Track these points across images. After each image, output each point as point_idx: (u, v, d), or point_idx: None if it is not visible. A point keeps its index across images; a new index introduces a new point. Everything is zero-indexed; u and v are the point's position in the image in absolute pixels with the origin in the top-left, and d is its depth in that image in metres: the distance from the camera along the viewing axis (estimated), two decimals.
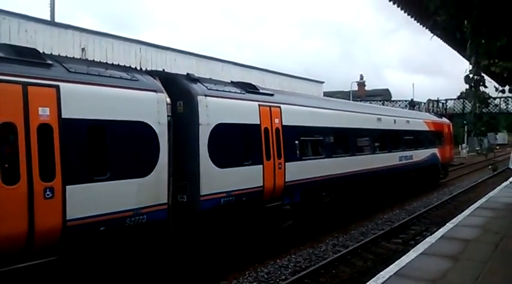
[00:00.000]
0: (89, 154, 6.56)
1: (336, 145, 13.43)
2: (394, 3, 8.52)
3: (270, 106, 10.51)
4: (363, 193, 15.02)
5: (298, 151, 11.40)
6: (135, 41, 17.69)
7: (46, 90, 6.09)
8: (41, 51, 7.31)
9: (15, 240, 5.66)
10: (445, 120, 26.54)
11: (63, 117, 6.20)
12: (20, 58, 6.11)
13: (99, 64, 8.75)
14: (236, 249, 9.65)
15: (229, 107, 9.38)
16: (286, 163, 10.74)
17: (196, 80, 9.13)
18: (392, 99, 52.43)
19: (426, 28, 8.59)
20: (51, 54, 10.76)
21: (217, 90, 9.31)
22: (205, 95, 8.82)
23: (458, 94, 44.68)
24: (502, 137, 72.81)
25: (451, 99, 43.95)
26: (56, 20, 17.74)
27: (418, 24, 9.13)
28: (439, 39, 9.32)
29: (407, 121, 19.25)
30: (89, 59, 13.57)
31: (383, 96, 58.34)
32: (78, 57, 14.22)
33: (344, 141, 13.94)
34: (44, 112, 6.00)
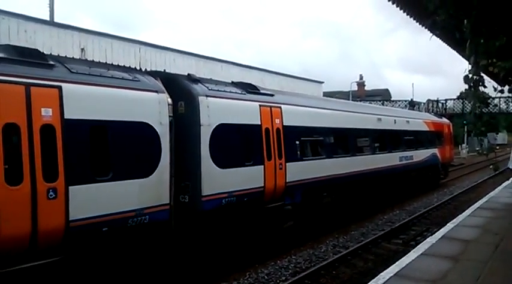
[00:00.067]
0: (91, 155, 6.59)
1: (337, 145, 13.46)
2: (393, 3, 8.54)
3: (270, 107, 10.54)
4: (363, 193, 15.05)
5: (298, 152, 11.44)
6: (134, 41, 17.71)
7: (49, 91, 6.12)
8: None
9: (19, 240, 5.68)
10: (445, 120, 26.56)
11: (65, 117, 6.22)
12: (22, 59, 6.14)
13: (101, 65, 8.77)
14: (236, 250, 9.66)
15: (230, 107, 9.41)
16: (287, 164, 10.77)
17: (197, 81, 9.16)
18: (392, 99, 52.42)
19: (425, 28, 8.62)
20: (51, 54, 10.79)
21: (218, 90, 9.34)
22: (207, 96, 8.85)
23: (458, 94, 44.76)
24: (501, 137, 72.73)
25: (451, 99, 43.98)
26: (55, 20, 17.79)
27: (417, 23, 9.17)
28: (439, 39, 9.33)
29: (408, 122, 19.28)
30: (88, 59, 13.60)
31: (382, 96, 58.31)
32: (78, 57, 14.23)
33: (344, 141, 13.96)
34: (46, 113, 6.03)
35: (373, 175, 15.26)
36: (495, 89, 6.32)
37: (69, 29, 15.19)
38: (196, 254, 8.79)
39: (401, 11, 8.82)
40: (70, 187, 6.16)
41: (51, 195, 5.95)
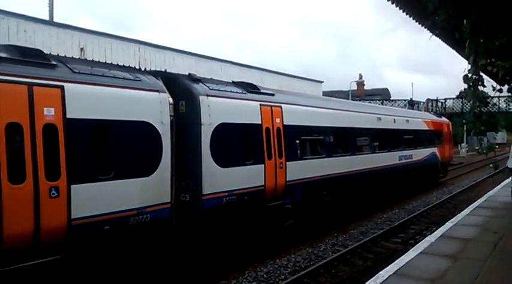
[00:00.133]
0: (93, 154, 6.64)
1: (337, 144, 13.51)
2: (392, 3, 8.55)
3: (271, 106, 10.58)
4: (363, 192, 15.10)
5: (299, 151, 11.48)
6: (133, 40, 17.69)
7: (51, 91, 6.16)
8: None
9: (22, 239, 5.73)
10: (444, 119, 26.61)
11: (67, 117, 6.27)
12: (25, 59, 6.18)
13: (103, 64, 8.82)
14: (236, 248, 9.70)
15: (230, 107, 9.45)
16: (287, 163, 10.82)
17: (198, 80, 9.20)
18: (391, 98, 52.43)
19: (425, 28, 8.64)
20: (52, 54, 10.81)
21: (218, 90, 9.38)
22: (207, 95, 8.89)
23: (458, 93, 44.76)
24: (501, 136, 72.75)
25: (450, 99, 43.98)
26: (55, 20, 17.78)
27: (417, 23, 9.19)
28: (438, 38, 9.36)
29: (407, 121, 19.33)
30: (88, 59, 13.63)
31: (382, 95, 58.21)
32: (77, 57, 14.25)
33: (344, 140, 14.02)
34: (49, 113, 6.07)
35: (372, 174, 15.31)
36: (494, 89, 6.35)
37: (69, 28, 15.18)
38: (196, 252, 8.83)
39: (401, 10, 8.83)
40: (72, 186, 6.21)
41: (53, 194, 5.99)
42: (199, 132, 8.60)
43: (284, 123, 10.86)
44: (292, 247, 11.22)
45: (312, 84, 30.04)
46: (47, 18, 18.06)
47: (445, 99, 43.86)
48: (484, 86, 5.87)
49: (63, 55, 12.19)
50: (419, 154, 20.17)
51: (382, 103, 41.26)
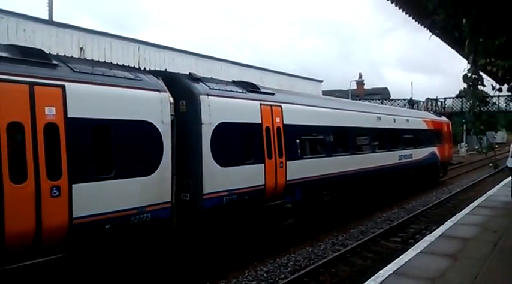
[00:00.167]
0: (94, 153, 6.65)
1: (336, 144, 13.53)
2: (392, 3, 8.55)
3: (271, 106, 10.60)
4: (363, 191, 15.12)
5: (299, 150, 11.50)
6: (133, 40, 17.67)
7: (52, 90, 6.18)
8: None
9: (23, 238, 5.75)
10: (444, 118, 26.63)
11: (68, 116, 6.29)
12: (26, 58, 6.20)
13: (103, 64, 8.84)
14: (235, 248, 9.72)
15: (231, 106, 9.47)
16: (288, 162, 10.84)
17: (198, 80, 9.22)
18: (391, 98, 52.42)
19: (425, 27, 8.64)
20: (53, 54, 10.82)
21: (219, 89, 9.40)
22: (208, 95, 8.91)
23: (457, 93, 44.81)
24: (501, 136, 72.83)
25: (450, 98, 44.00)
26: (54, 20, 17.78)
27: (417, 23, 9.20)
28: (438, 38, 9.36)
29: (407, 120, 19.35)
30: (88, 59, 13.63)
31: (382, 94, 58.16)
32: (77, 56, 14.27)
33: (344, 139, 14.04)
34: (50, 112, 6.09)
35: (372, 174, 15.33)
36: (493, 88, 6.36)
37: (68, 28, 15.16)
38: (196, 251, 8.85)
39: (401, 10, 8.84)
40: (73, 185, 6.23)
41: (54, 193, 6.01)
42: (199, 131, 8.62)
43: (284, 123, 10.88)
44: (292, 246, 11.23)
45: (312, 84, 30.05)
46: (46, 17, 18.05)
47: (445, 99, 43.88)
48: (484, 86, 5.88)
49: (63, 54, 12.23)
50: (419, 153, 20.20)
51: (381, 103, 41.28)
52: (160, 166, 7.60)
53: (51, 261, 6.10)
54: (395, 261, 7.57)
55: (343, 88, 51.40)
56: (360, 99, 42.36)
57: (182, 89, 8.79)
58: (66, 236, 6.22)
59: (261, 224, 10.39)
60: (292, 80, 27.42)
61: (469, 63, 5.74)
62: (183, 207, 8.52)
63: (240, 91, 10.09)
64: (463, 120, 37.91)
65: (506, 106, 39.45)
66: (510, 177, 14.83)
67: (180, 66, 17.85)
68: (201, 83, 9.13)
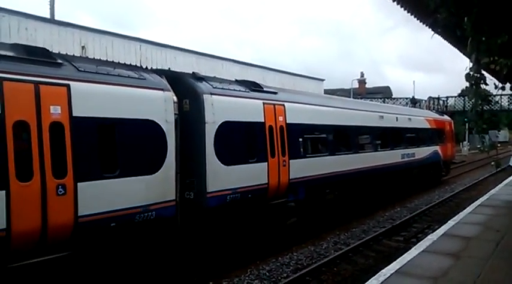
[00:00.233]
0: (99, 152, 6.70)
1: (339, 142, 13.55)
2: (394, 1, 8.57)
3: (274, 105, 10.62)
4: (365, 190, 15.14)
5: (302, 149, 11.52)
6: (135, 38, 17.73)
7: (57, 89, 6.22)
8: None
9: (29, 236, 5.80)
10: (446, 117, 26.60)
11: (73, 115, 6.33)
12: (31, 57, 6.24)
13: (107, 63, 8.87)
14: (238, 246, 9.74)
15: (234, 105, 9.50)
16: (291, 161, 10.87)
17: (201, 79, 9.25)
18: (393, 96, 52.37)
19: (426, 26, 8.65)
20: (56, 52, 10.86)
21: (222, 88, 9.43)
22: (211, 93, 8.94)
23: (459, 91, 44.67)
24: (503, 135, 72.73)
25: (452, 97, 43.93)
26: (56, 18, 17.84)
27: (418, 21, 9.20)
28: (440, 36, 9.36)
29: (409, 119, 19.35)
30: (89, 57, 13.68)
31: (383, 93, 58.15)
32: (78, 55, 14.32)
33: (347, 138, 14.06)
34: (55, 111, 6.14)
35: (375, 172, 15.35)
36: (496, 87, 6.37)
37: (70, 26, 15.24)
38: (199, 250, 8.88)
39: (402, 8, 8.84)
40: (79, 184, 6.28)
41: (60, 191, 6.06)
42: (203, 130, 8.65)
43: (287, 121, 10.91)
44: (295, 245, 11.24)
45: (314, 82, 30.10)
46: (48, 16, 18.13)
47: (447, 97, 43.81)
48: (487, 84, 5.90)
49: (65, 53, 12.28)
50: (422, 152, 20.20)
51: (383, 102, 41.27)
52: (164, 165, 7.64)
53: (56, 259, 6.15)
54: (397, 260, 7.55)
55: (344, 87, 51.44)
56: (361, 98, 42.36)
57: (186, 88, 8.82)
58: (71, 234, 6.27)
59: (264, 223, 10.42)
60: (294, 79, 27.46)
61: (471, 61, 5.76)
62: (186, 205, 8.55)
63: (243, 90, 10.11)
64: (465, 119, 37.86)
65: (508, 105, 39.41)
66: None
67: (181, 65, 17.89)
68: (204, 82, 9.16)
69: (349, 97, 36.01)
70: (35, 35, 13.76)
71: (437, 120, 23.63)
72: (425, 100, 44.19)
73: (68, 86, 6.33)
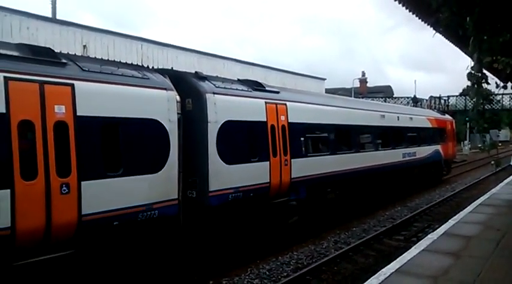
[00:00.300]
0: (102, 151, 6.74)
1: (341, 142, 13.57)
2: (395, 0, 8.59)
3: (276, 104, 10.65)
4: (367, 189, 15.18)
5: (303, 148, 11.55)
6: (136, 38, 17.74)
7: (61, 89, 6.26)
8: None
9: (33, 234, 5.85)
10: (447, 116, 26.60)
11: (78, 114, 6.37)
12: (36, 57, 6.28)
13: (111, 63, 8.90)
14: (238, 245, 9.76)
15: (236, 105, 9.54)
16: (292, 160, 10.90)
17: (204, 78, 9.28)
18: (394, 96, 52.32)
19: (428, 25, 8.67)
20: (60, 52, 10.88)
21: (224, 87, 9.46)
22: (214, 93, 8.98)
23: (461, 91, 44.62)
24: (504, 134, 72.65)
25: (453, 96, 43.89)
26: (57, 18, 17.87)
27: (420, 21, 9.21)
28: (442, 36, 9.37)
29: (411, 118, 19.36)
30: (91, 57, 13.70)
31: (385, 92, 58.08)
32: (80, 54, 14.35)
33: (348, 138, 14.09)
34: (59, 110, 6.18)
35: (376, 172, 15.38)
36: (497, 86, 6.40)
37: (71, 26, 15.26)
38: (200, 249, 8.91)
39: (404, 7, 8.86)
40: (82, 183, 6.32)
41: (64, 190, 6.10)
42: (205, 129, 8.69)
43: (289, 121, 10.93)
44: (295, 244, 11.25)
45: (315, 82, 30.11)
46: (49, 15, 18.17)
47: (448, 97, 43.77)
48: (488, 83, 5.93)
49: (66, 52, 12.31)
50: (423, 151, 20.22)
51: (385, 101, 41.26)
52: (167, 163, 7.68)
53: (60, 257, 6.20)
54: (398, 259, 7.56)
55: (346, 86, 51.43)
56: (363, 97, 42.34)
57: (188, 87, 8.85)
58: (75, 232, 6.31)
59: (266, 222, 10.46)
60: (295, 78, 27.48)
61: (473, 60, 5.79)
62: (189, 204, 8.60)
63: (246, 89, 10.15)
64: (467, 118, 37.78)
65: (510, 104, 39.35)
66: None
67: (183, 64, 17.91)
68: (207, 81, 9.19)
69: (351, 96, 36.02)
70: (36, 34, 13.79)
71: (438, 119, 23.63)
72: (427, 100, 44.14)
73: (72, 86, 6.37)
